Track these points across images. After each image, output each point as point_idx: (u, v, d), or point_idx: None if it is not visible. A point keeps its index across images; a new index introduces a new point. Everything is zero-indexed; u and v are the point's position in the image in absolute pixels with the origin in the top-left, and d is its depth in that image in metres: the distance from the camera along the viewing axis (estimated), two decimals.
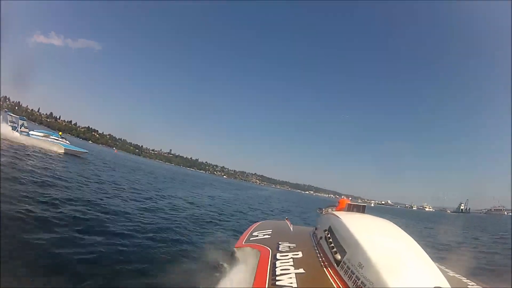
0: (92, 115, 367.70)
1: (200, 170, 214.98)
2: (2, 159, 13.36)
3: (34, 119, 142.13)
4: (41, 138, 28.23)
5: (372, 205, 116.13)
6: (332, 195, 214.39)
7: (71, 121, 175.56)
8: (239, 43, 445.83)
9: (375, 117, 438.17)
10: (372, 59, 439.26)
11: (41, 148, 26.20)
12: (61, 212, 8.41)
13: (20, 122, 27.71)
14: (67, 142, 30.69)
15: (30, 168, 14.37)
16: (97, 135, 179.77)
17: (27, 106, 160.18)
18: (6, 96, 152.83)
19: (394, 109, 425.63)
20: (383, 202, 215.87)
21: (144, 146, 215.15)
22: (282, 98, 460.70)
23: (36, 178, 12.24)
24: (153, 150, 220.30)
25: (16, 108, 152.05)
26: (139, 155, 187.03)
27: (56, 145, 28.42)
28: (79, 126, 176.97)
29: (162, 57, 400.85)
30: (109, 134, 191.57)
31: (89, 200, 10.74)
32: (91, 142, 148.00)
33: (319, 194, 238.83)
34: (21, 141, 25.93)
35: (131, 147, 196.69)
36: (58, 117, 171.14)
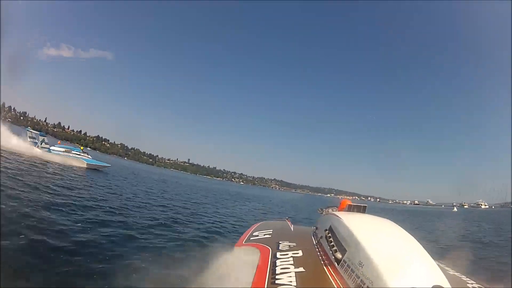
0: (106, 126, 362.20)
1: (217, 177, 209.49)
2: (26, 177, 13.92)
3: (40, 129, 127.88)
4: (62, 153, 27.43)
5: (455, 209, 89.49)
6: (356, 197, 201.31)
7: (80, 131, 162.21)
8: (265, 50, 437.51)
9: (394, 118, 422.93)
10: (375, 60, 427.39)
11: (63, 164, 25.53)
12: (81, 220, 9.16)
13: (41, 138, 27.36)
14: (89, 156, 29.88)
15: (51, 184, 14.43)
16: (108, 145, 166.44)
17: (34, 116, 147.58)
18: (11, 106, 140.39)
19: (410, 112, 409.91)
20: (416, 203, 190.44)
21: (160, 156, 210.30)
22: (301, 101, 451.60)
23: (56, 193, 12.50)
24: (168, 160, 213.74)
25: (21, 118, 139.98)
26: (152, 164, 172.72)
27: (78, 160, 27.73)
28: (88, 136, 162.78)
29: (178, 66, 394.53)
30: (120, 144, 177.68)
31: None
32: (89, 149, 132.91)
33: (341, 197, 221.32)
34: (42, 157, 25.26)
35: (145, 157, 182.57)
36: (66, 127, 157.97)
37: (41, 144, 26.71)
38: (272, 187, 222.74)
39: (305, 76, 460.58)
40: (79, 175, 21.63)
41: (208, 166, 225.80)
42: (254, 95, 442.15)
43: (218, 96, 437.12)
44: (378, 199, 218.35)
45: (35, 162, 21.39)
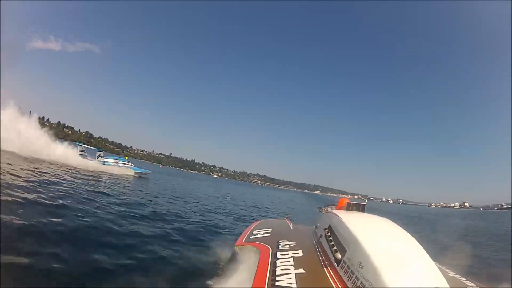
0: (90, 121, 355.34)
1: (193, 171, 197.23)
2: (105, 188, 15.42)
3: None
4: (112, 164, 29.73)
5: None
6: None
7: (43, 117, 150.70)
8: (240, 43, 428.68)
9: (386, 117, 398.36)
10: (374, 59, 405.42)
11: (117, 174, 28.01)
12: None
13: (98, 153, 29.72)
14: (132, 164, 32.41)
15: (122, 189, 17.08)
16: (69, 132, 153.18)
17: None
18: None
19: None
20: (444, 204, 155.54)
21: (133, 147, 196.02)
22: (285, 98, 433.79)
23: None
24: (142, 151, 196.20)
25: None
26: (118, 154, 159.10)
27: (127, 169, 30.30)
28: (51, 122, 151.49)
29: (165, 59, 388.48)
30: (85, 132, 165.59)
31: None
32: None
33: (333, 195, 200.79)
34: (100, 169, 27.16)
35: (111, 146, 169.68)
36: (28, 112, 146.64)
37: (97, 158, 28.89)
38: (254, 182, 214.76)
39: (293, 74, 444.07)
40: (135, 183, 24.20)
41: (186, 159, 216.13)
42: (238, 89, 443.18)
43: (203, 91, 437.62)
44: (401, 200, 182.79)
45: (98, 174, 23.00)
